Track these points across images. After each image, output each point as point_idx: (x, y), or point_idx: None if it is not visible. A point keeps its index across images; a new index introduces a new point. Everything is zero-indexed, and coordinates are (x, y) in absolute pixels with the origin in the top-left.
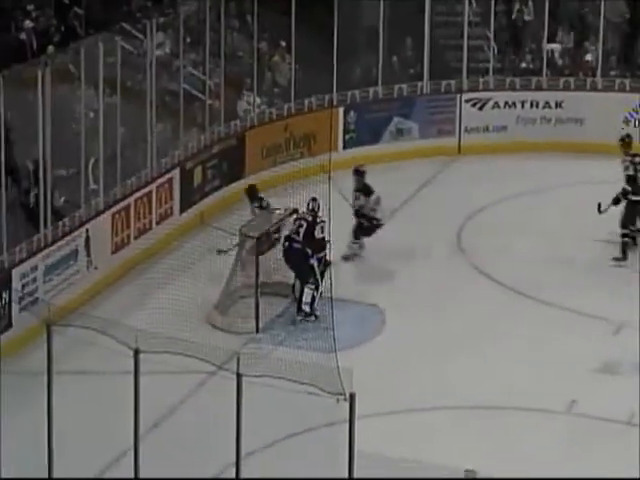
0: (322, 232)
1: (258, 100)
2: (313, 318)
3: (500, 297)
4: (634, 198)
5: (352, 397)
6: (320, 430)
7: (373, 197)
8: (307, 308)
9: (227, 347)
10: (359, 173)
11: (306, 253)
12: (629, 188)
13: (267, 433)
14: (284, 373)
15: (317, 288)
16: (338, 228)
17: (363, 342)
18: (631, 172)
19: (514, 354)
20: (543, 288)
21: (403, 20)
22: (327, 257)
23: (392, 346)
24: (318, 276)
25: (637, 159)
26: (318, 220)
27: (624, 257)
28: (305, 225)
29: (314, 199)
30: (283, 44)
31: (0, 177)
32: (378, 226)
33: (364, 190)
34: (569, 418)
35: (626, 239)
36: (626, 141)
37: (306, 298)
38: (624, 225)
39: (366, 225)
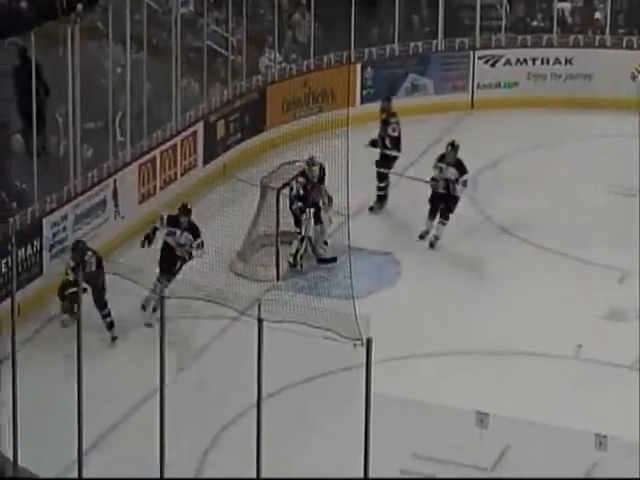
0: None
1: (279, 56)
2: (298, 268)
3: (512, 248)
4: None
5: (369, 342)
6: (338, 374)
7: (463, 178)
8: (290, 259)
9: (249, 294)
10: (454, 147)
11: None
12: None
13: (287, 376)
14: (303, 319)
15: (302, 240)
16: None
17: (380, 290)
18: None
19: (524, 302)
20: (554, 238)
21: None
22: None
23: (408, 294)
24: (303, 229)
25: None
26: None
27: None
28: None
29: (310, 163)
30: (303, 2)
31: (32, 130)
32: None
33: (457, 166)
34: (576, 362)
35: None
36: None
37: (291, 249)
38: None
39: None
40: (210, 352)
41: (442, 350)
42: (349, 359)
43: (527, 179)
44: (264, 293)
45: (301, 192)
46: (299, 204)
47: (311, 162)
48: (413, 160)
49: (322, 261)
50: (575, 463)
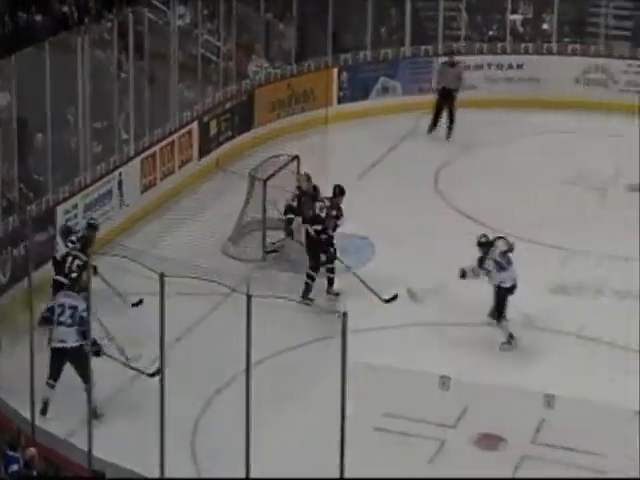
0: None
1: (265, 63)
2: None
3: (471, 230)
4: None
5: (345, 315)
6: (317, 343)
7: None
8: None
9: (239, 273)
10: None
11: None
12: None
13: (273, 345)
14: (288, 295)
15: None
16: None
17: (357, 268)
18: None
19: (483, 278)
20: (510, 223)
21: None
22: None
23: (382, 271)
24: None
25: None
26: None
27: None
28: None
29: (306, 178)
30: (287, 14)
31: (47, 128)
32: None
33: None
34: (525, 331)
35: None
36: None
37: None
38: None
39: None
40: (204, 325)
41: (412, 321)
42: (328, 330)
43: (486, 171)
44: (252, 272)
45: (294, 202)
46: (290, 216)
47: (307, 177)
48: (384, 154)
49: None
50: (525, 419)
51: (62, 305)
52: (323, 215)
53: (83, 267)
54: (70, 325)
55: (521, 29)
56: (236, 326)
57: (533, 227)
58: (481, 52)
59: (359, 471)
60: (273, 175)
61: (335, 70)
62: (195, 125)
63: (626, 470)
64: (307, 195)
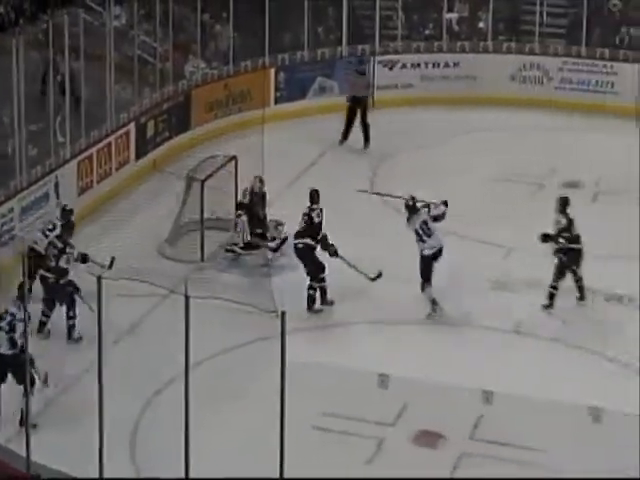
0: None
1: (202, 64)
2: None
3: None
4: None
5: (283, 314)
6: (256, 343)
7: None
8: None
9: (177, 274)
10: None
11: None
12: None
13: (212, 346)
14: (226, 295)
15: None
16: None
17: (296, 268)
18: None
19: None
20: (450, 219)
21: None
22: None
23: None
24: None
25: None
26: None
27: None
28: None
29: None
30: (224, 15)
31: None
32: None
33: None
34: (465, 328)
35: None
36: None
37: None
38: None
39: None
40: (143, 326)
41: (352, 320)
42: (266, 330)
43: (423, 170)
44: (190, 273)
45: (246, 199)
46: (238, 212)
47: (260, 179)
48: (322, 153)
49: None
50: (464, 416)
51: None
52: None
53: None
54: (7, 332)
55: (457, 28)
56: (175, 327)
57: (470, 225)
58: (418, 51)
59: (299, 471)
60: (211, 176)
61: (272, 70)
62: (132, 126)
63: (564, 465)
64: (258, 196)
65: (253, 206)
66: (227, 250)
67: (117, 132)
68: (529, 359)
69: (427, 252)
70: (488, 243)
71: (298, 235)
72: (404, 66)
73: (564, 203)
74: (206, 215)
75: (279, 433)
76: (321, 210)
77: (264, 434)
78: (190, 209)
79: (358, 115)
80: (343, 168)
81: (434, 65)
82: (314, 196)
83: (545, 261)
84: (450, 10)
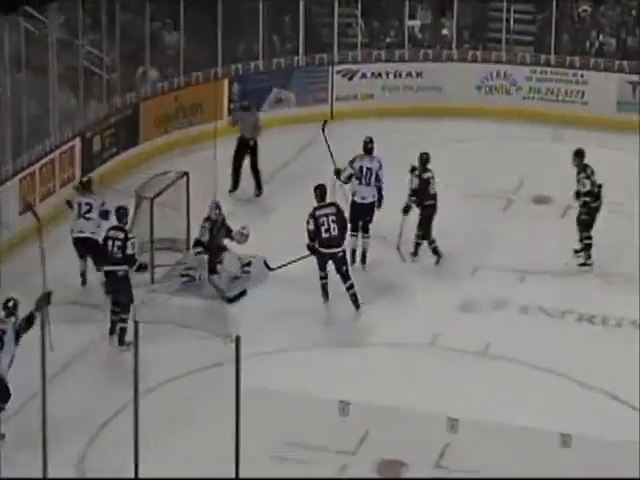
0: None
1: (152, 74)
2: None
3: (372, 246)
4: None
5: (238, 339)
6: (212, 369)
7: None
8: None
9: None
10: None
11: None
12: None
13: (163, 373)
14: (178, 319)
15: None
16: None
17: (250, 290)
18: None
19: (383, 295)
20: (410, 237)
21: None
22: None
23: (276, 292)
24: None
25: None
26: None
27: None
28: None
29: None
30: (171, 21)
31: None
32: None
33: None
34: (431, 351)
35: None
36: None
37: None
38: None
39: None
40: (89, 354)
41: (308, 344)
42: (221, 355)
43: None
44: (140, 297)
45: (205, 238)
46: (197, 250)
47: (216, 206)
48: (279, 168)
49: (232, 300)
50: (429, 443)
51: None
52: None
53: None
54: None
55: (420, 35)
56: (123, 354)
57: (438, 241)
58: (379, 60)
59: None
60: (161, 193)
61: (225, 81)
62: (77, 141)
63: None
64: (217, 225)
65: (213, 239)
66: (181, 275)
67: (61, 147)
68: (497, 383)
69: (357, 199)
70: (454, 262)
71: None
72: (364, 76)
73: (425, 160)
74: (156, 235)
75: (234, 463)
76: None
77: (219, 464)
78: (139, 229)
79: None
80: (302, 184)
81: (396, 75)
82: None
83: (513, 279)
84: (412, 17)
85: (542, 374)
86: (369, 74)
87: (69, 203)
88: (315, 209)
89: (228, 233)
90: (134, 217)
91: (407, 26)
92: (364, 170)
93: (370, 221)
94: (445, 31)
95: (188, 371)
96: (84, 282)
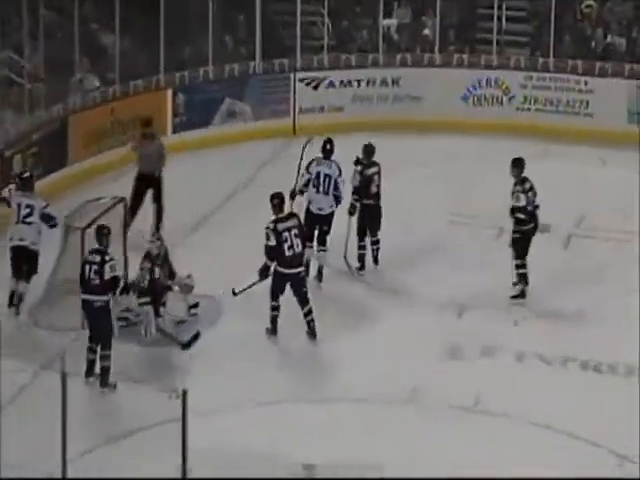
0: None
1: (90, 82)
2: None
3: (346, 287)
4: None
5: (184, 393)
6: (154, 428)
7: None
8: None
9: (52, 346)
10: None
11: None
12: None
13: (95, 434)
14: (115, 369)
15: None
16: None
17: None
18: None
19: (345, 327)
20: (392, 272)
21: None
22: None
23: (228, 336)
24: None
25: None
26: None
27: None
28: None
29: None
30: (110, 24)
31: None
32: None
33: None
34: (412, 406)
35: None
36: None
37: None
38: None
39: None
40: (9, 411)
41: (264, 396)
42: (165, 411)
43: None
44: (69, 344)
45: (146, 282)
46: (143, 299)
47: (157, 238)
48: (232, 192)
49: (186, 345)
50: None
51: None
52: None
53: None
54: None
55: (396, 36)
56: (50, 411)
57: (418, 279)
58: (349, 65)
59: None
60: (93, 223)
61: (169, 91)
62: None
63: None
64: (159, 260)
65: (155, 281)
66: (118, 318)
67: None
68: (483, 438)
69: (312, 208)
70: (439, 302)
71: None
72: (332, 84)
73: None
74: None
75: None
76: None
77: None
78: (68, 264)
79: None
80: (262, 208)
81: (369, 83)
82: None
83: (505, 320)
84: (388, 15)
85: (531, 428)
86: (337, 82)
87: (5, 200)
88: (276, 222)
89: (171, 273)
90: (61, 250)
91: (382, 25)
92: (321, 176)
93: (327, 232)
94: (426, 31)
95: (125, 431)
96: (17, 308)
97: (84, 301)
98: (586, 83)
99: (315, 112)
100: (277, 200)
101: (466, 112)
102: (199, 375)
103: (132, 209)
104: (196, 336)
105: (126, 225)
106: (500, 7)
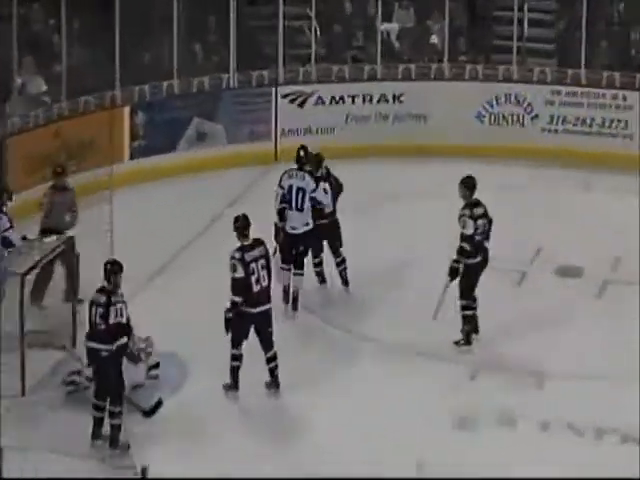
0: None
1: (37, 84)
2: None
3: (335, 340)
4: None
5: (144, 471)
6: None
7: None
8: None
9: None
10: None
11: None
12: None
13: None
14: (60, 445)
15: None
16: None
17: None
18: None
19: (350, 403)
20: (374, 323)
21: None
22: None
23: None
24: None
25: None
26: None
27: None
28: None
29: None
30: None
31: None
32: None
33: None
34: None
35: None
36: None
37: None
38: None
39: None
40: None
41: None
42: None
43: (358, 241)
44: (5, 412)
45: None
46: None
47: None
48: (203, 229)
49: (149, 413)
50: None
51: None
52: None
53: None
54: None
55: (397, 44)
56: None
57: (428, 332)
58: (341, 79)
59: None
60: (35, 267)
61: (126, 109)
62: None
63: None
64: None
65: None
66: (65, 383)
67: None
68: None
69: (286, 227)
70: (450, 360)
71: None
72: (321, 101)
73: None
74: (30, 327)
75: None
76: None
77: None
78: (5, 316)
79: None
80: (224, 253)
81: (365, 99)
82: None
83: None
84: (387, 18)
85: None
86: (327, 99)
87: None
88: (242, 251)
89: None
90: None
91: (380, 31)
92: (294, 191)
93: (304, 254)
94: (433, 38)
95: None
96: None
97: (89, 350)
98: (625, 99)
99: (301, 134)
100: (241, 223)
101: (481, 134)
102: (157, 449)
103: (39, 282)
104: (158, 404)
105: (73, 273)
106: (521, 8)
